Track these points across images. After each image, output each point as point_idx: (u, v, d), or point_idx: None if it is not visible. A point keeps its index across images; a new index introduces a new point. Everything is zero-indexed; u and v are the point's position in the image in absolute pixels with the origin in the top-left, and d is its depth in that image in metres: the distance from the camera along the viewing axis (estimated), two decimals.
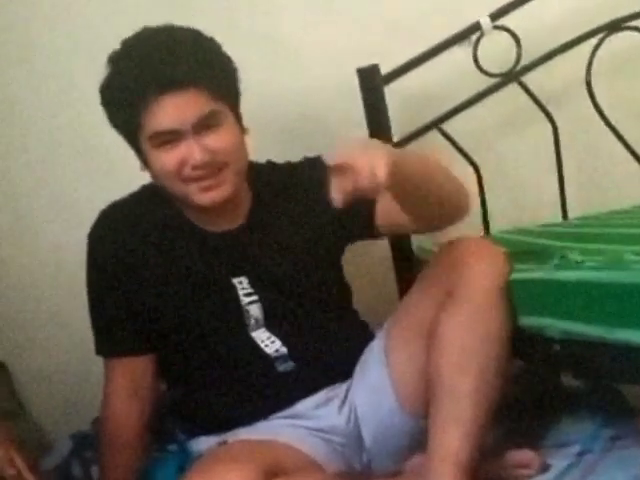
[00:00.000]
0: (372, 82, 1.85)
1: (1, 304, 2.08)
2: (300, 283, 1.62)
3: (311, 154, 1.66)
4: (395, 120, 1.90)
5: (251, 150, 1.59)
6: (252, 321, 1.60)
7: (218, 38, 1.54)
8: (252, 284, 1.60)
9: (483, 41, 1.94)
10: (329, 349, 1.63)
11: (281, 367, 1.60)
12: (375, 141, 1.45)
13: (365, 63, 1.87)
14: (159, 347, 1.64)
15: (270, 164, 1.70)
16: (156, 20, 1.52)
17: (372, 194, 1.37)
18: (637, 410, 1.70)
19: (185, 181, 1.52)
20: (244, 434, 1.57)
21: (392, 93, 1.89)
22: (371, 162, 1.30)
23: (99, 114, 1.55)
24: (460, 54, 1.94)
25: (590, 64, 2.03)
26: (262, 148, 1.64)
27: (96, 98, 1.54)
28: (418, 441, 1.56)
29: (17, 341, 2.10)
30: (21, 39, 2.00)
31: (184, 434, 1.70)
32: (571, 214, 2.10)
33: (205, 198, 1.53)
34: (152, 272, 1.59)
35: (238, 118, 1.56)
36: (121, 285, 1.60)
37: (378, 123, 1.88)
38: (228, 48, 1.54)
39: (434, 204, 1.52)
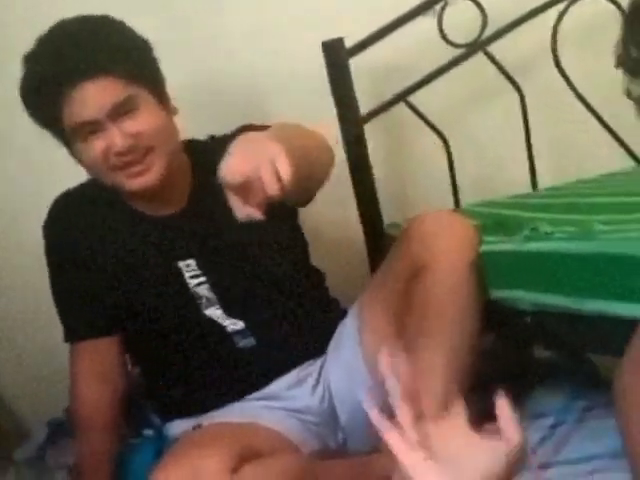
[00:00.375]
0: (337, 55, 1.82)
1: None
2: (250, 259, 1.60)
3: None
4: (361, 93, 1.88)
5: (183, 130, 1.58)
6: (204, 300, 1.60)
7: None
8: (200, 265, 1.59)
9: (448, 11, 1.92)
10: (291, 325, 1.62)
11: (241, 343, 1.60)
12: (254, 135, 1.31)
13: (330, 35, 1.84)
14: (119, 329, 1.65)
15: (210, 139, 1.67)
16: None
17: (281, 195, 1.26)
18: (609, 381, 1.71)
19: (113, 169, 1.50)
20: (219, 417, 1.57)
21: (358, 66, 1.87)
22: (271, 165, 1.22)
23: None
24: (425, 25, 1.92)
25: (555, 32, 2.02)
26: (228, 122, 1.61)
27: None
28: None
29: None
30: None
31: (159, 418, 1.70)
32: (541, 184, 2.09)
33: (134, 184, 1.51)
34: (102, 259, 1.60)
35: (162, 99, 1.54)
36: (76, 271, 1.62)
37: (344, 97, 1.85)
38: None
39: (310, 183, 1.47)
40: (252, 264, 1.61)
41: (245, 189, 1.25)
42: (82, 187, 1.65)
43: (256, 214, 1.27)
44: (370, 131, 1.92)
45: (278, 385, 1.61)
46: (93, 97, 1.46)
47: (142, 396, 1.74)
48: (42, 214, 1.65)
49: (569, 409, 1.65)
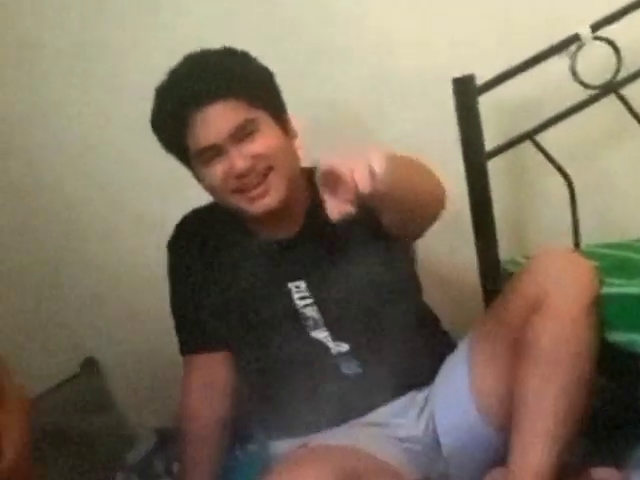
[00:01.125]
0: (467, 92, 1.83)
1: (91, 303, 2.14)
2: (359, 285, 1.62)
3: None
4: (487, 129, 1.88)
5: (303, 155, 1.62)
6: (310, 322, 1.62)
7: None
8: (310, 287, 1.62)
9: (582, 52, 1.90)
10: (397, 353, 1.62)
11: (345, 368, 1.61)
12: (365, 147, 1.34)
13: (462, 72, 1.85)
14: (231, 345, 1.69)
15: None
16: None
17: (371, 200, 1.32)
18: None
19: (234, 193, 1.55)
20: (324, 438, 1.58)
21: (486, 101, 1.87)
22: (365, 160, 1.27)
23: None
24: (557, 65, 1.90)
25: None
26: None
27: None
28: (498, 454, 1.53)
29: (107, 337, 2.17)
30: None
31: (264, 435, 1.73)
32: None
33: (255, 207, 1.56)
34: (219, 277, 1.66)
35: (282, 122, 1.59)
36: (194, 288, 1.68)
37: (471, 133, 1.85)
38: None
39: (413, 210, 1.50)
40: (361, 290, 1.62)
41: (338, 185, 1.29)
42: (207, 207, 1.71)
43: (348, 209, 1.29)
44: (494, 168, 1.92)
45: (383, 412, 1.62)
46: (214, 121, 1.52)
47: (248, 412, 1.77)
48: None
49: None
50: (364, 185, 1.26)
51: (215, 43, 1.58)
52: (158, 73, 1.58)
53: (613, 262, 1.68)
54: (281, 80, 1.61)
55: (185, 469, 1.69)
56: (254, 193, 1.55)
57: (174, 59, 1.58)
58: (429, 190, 1.52)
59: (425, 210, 1.53)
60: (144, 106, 1.58)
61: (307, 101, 1.80)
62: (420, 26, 2.05)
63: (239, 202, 1.56)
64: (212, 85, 1.52)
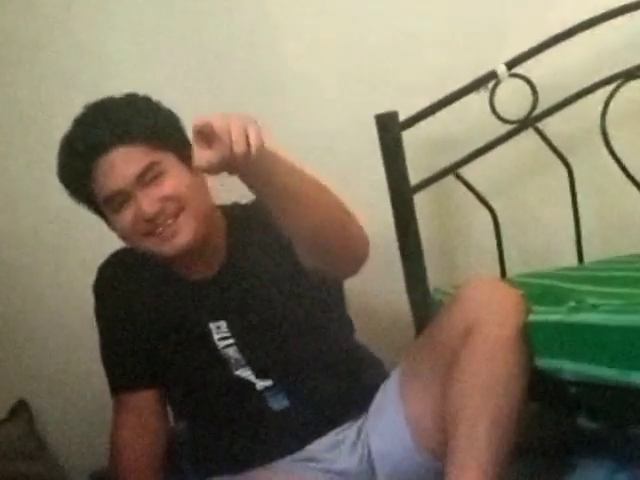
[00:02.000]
0: (390, 128, 1.87)
1: (23, 343, 2.11)
2: (282, 321, 1.64)
3: None
4: (412, 165, 1.92)
5: (214, 192, 1.63)
6: (232, 361, 1.64)
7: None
8: (230, 327, 1.63)
9: (499, 88, 1.97)
10: (325, 386, 1.64)
11: (274, 403, 1.62)
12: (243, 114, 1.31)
13: (384, 108, 1.89)
14: (159, 383, 1.70)
15: (237, 204, 1.72)
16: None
17: (242, 162, 1.28)
18: None
19: (144, 236, 1.56)
20: (262, 476, 1.59)
21: (409, 137, 1.92)
22: (244, 125, 1.26)
23: None
24: (477, 100, 1.96)
25: (605, 111, 2.04)
26: None
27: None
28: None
29: (39, 379, 2.14)
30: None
31: (197, 474, 1.72)
32: (587, 258, 2.10)
33: (167, 248, 1.56)
34: (143, 318, 1.68)
35: (188, 161, 1.50)
36: (121, 329, 1.70)
37: (395, 167, 1.89)
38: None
39: (312, 224, 1.44)
40: (282, 329, 1.64)
41: (212, 141, 1.26)
42: (128, 249, 1.70)
43: (212, 160, 1.27)
44: (420, 201, 1.96)
45: (316, 447, 1.63)
46: (119, 166, 1.53)
47: (183, 451, 1.76)
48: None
49: None
50: (239, 147, 1.24)
51: None
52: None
53: (537, 290, 1.73)
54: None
55: None
56: (164, 235, 1.55)
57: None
58: (339, 223, 1.48)
59: (336, 245, 1.49)
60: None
61: None
62: (343, 64, 2.09)
63: (150, 245, 1.57)
64: (114, 131, 1.53)
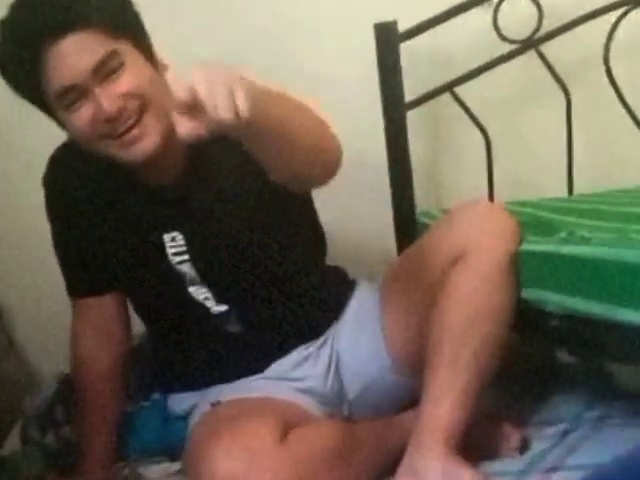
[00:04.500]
0: (389, 38, 1.81)
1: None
2: (241, 238, 1.52)
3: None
4: (408, 79, 1.86)
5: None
6: (187, 277, 1.55)
7: None
8: (187, 240, 1.52)
9: (504, 5, 1.90)
10: (281, 310, 1.58)
11: (228, 326, 1.57)
12: (225, 68, 1.13)
13: (382, 18, 1.83)
14: (116, 289, 1.62)
15: None
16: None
17: (233, 130, 1.15)
18: (626, 391, 1.70)
19: (104, 138, 1.38)
20: (229, 393, 1.55)
21: (407, 51, 1.85)
22: (230, 90, 1.09)
23: None
24: (479, 17, 1.90)
25: (610, 39, 1.98)
26: None
27: None
28: (404, 399, 1.55)
29: (10, 279, 2.10)
30: None
31: (163, 388, 1.69)
32: (577, 190, 2.07)
33: (131, 153, 1.39)
34: (97, 218, 1.56)
35: (149, 54, 1.42)
36: (73, 225, 1.58)
37: (391, 81, 1.84)
38: None
39: (295, 152, 1.30)
40: (240, 248, 1.52)
41: (196, 108, 1.11)
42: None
43: (200, 131, 1.13)
44: (412, 118, 1.90)
45: (281, 366, 1.59)
46: (71, 56, 1.33)
47: (150, 359, 1.74)
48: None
49: (583, 417, 1.64)
50: (226, 116, 1.09)
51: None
52: None
53: (525, 219, 1.68)
54: None
55: (85, 415, 1.64)
56: (127, 137, 1.37)
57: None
58: (315, 141, 1.33)
59: (310, 162, 1.35)
60: None
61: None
62: None
63: (111, 149, 1.39)
64: (64, 14, 1.33)
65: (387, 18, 1.83)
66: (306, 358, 1.60)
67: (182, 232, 1.51)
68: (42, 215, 1.63)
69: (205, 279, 1.53)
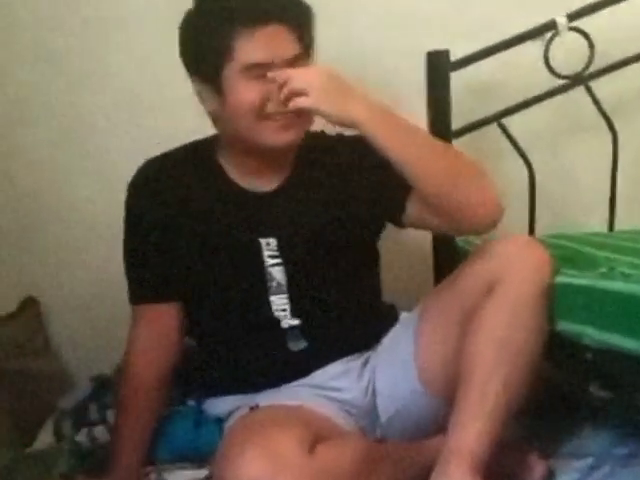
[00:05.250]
0: (440, 67, 1.83)
1: (37, 239, 2.10)
2: (326, 252, 1.61)
3: None
4: (456, 108, 1.88)
5: None
6: (274, 284, 1.60)
7: None
8: (280, 246, 1.59)
9: (556, 41, 1.91)
10: (345, 327, 1.63)
11: (292, 345, 1.60)
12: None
13: (435, 45, 1.85)
14: (184, 297, 1.65)
15: (319, 132, 1.68)
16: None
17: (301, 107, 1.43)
18: None
19: (264, 119, 1.51)
20: (268, 399, 1.58)
21: (457, 80, 1.87)
22: (299, 78, 1.41)
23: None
24: (531, 51, 1.91)
25: None
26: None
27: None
28: (435, 425, 1.56)
29: (50, 278, 2.13)
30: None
31: (200, 392, 1.71)
32: (617, 226, 2.07)
33: (282, 137, 1.52)
34: (185, 225, 1.60)
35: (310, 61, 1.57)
36: (154, 235, 1.61)
37: (439, 109, 1.85)
38: None
39: (420, 182, 1.49)
40: (330, 256, 1.61)
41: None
42: (174, 151, 1.66)
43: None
44: (458, 147, 1.90)
45: (322, 375, 1.62)
46: (274, 42, 1.49)
47: (189, 365, 1.76)
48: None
49: (612, 453, 1.64)
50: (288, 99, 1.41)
51: None
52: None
53: (566, 253, 1.70)
54: None
55: (123, 418, 1.65)
56: (286, 121, 1.51)
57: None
58: (441, 172, 1.49)
59: (438, 193, 1.50)
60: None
61: None
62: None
63: (263, 129, 1.52)
64: (278, 6, 1.50)
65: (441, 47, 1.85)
66: (349, 370, 1.63)
67: (277, 238, 1.59)
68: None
69: (291, 287, 1.60)
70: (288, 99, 1.46)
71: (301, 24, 1.52)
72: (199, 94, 1.56)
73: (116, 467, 1.63)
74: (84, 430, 1.81)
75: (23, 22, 2.00)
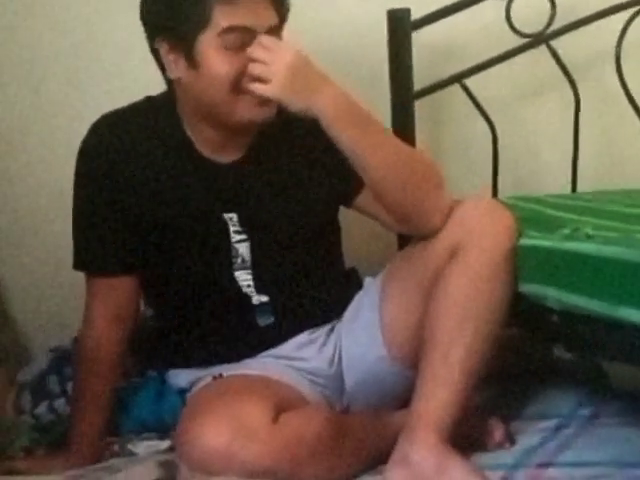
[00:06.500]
0: (401, 26, 1.81)
1: None
2: (289, 228, 1.58)
3: None
4: (417, 69, 1.86)
5: None
6: (239, 259, 1.56)
7: None
8: (241, 222, 1.55)
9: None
10: (311, 300, 1.60)
11: (261, 320, 1.58)
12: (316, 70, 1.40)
13: (396, 4, 1.82)
14: (143, 269, 1.60)
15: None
16: None
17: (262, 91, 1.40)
18: (620, 390, 1.71)
19: (239, 92, 1.44)
20: (232, 369, 1.55)
21: (418, 40, 1.85)
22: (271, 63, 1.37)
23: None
24: (492, 10, 1.90)
25: (622, 37, 1.99)
26: None
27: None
28: (402, 392, 1.54)
29: (8, 250, 2.08)
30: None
31: (162, 363, 1.68)
32: (580, 188, 2.08)
33: (258, 113, 1.46)
34: (144, 190, 1.53)
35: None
36: (110, 199, 1.54)
37: (401, 69, 1.84)
38: None
39: (371, 174, 1.44)
40: (289, 232, 1.57)
41: None
42: (131, 109, 1.57)
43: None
44: (419, 109, 1.90)
45: (287, 346, 1.60)
46: (256, 9, 1.42)
47: (150, 338, 1.73)
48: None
49: (577, 413, 1.64)
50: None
51: None
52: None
53: (529, 215, 1.69)
54: None
55: (82, 390, 1.62)
56: (256, 99, 1.43)
57: None
58: (394, 165, 1.44)
59: (389, 187, 1.45)
60: None
61: None
62: None
63: (238, 103, 1.45)
64: None
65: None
66: (314, 340, 1.61)
67: (237, 213, 1.55)
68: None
69: (255, 263, 1.56)
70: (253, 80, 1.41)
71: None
72: (163, 58, 1.48)
73: (76, 440, 1.60)
74: (44, 403, 1.79)
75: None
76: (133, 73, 1.97)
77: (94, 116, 1.55)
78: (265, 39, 1.41)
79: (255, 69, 1.40)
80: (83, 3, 1.99)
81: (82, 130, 1.92)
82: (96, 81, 2.00)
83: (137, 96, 1.58)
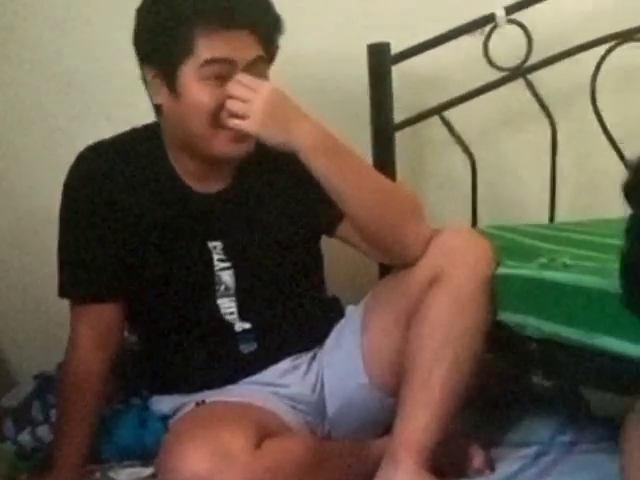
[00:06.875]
0: (381, 60, 1.84)
1: None
2: (272, 256, 1.60)
3: None
4: (398, 101, 1.89)
5: None
6: (222, 287, 1.58)
7: None
8: (225, 251, 1.57)
9: (495, 34, 1.94)
10: (293, 327, 1.62)
11: (244, 348, 1.59)
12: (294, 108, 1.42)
13: (376, 39, 1.86)
14: (128, 297, 1.61)
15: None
16: None
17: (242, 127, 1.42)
18: (598, 417, 1.72)
19: (216, 127, 1.46)
20: (216, 396, 1.56)
21: (399, 71, 1.89)
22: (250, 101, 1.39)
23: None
24: (470, 44, 1.93)
25: (597, 71, 2.03)
26: None
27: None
28: (384, 419, 1.56)
29: None
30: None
31: (146, 390, 1.70)
32: (558, 218, 2.11)
33: (234, 149, 1.48)
34: (129, 220, 1.55)
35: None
36: (96, 228, 1.56)
37: (381, 101, 1.87)
38: None
39: (349, 207, 1.47)
40: (271, 261, 1.60)
41: None
42: (117, 140, 1.59)
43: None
44: (399, 140, 1.93)
45: (270, 372, 1.61)
46: (237, 43, 1.44)
47: (133, 364, 1.74)
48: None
49: (555, 441, 1.66)
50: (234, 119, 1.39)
51: None
52: None
53: (507, 244, 1.72)
54: None
55: (65, 417, 1.62)
56: (235, 134, 1.45)
57: None
58: (370, 199, 1.47)
59: (364, 220, 1.48)
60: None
61: None
62: None
63: (214, 137, 1.47)
64: (245, 10, 1.44)
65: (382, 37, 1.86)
66: (297, 367, 1.63)
67: (222, 242, 1.57)
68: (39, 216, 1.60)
69: (238, 290, 1.58)
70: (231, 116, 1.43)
71: (270, 33, 1.49)
72: (149, 84, 1.51)
73: (58, 466, 1.59)
74: (27, 429, 1.78)
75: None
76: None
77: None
78: (243, 77, 1.43)
79: (233, 106, 1.42)
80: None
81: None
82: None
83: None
